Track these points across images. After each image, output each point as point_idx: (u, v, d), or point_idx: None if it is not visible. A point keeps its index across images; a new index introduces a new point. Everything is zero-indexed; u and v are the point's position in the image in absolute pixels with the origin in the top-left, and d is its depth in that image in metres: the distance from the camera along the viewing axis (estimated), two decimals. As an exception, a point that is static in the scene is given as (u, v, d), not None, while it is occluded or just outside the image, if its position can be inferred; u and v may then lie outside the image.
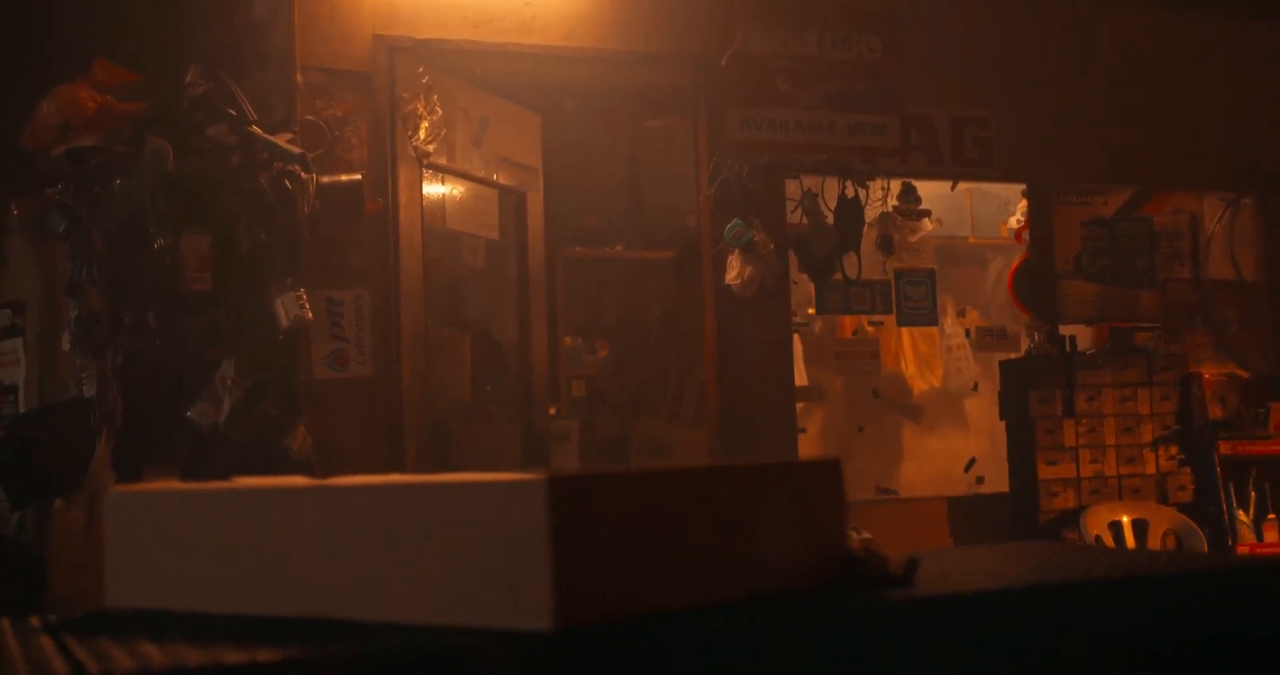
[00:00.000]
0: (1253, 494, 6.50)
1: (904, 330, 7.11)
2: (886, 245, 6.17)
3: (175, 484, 1.95)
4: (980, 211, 7.59)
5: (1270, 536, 6.42)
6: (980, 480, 7.13)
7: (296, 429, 4.66)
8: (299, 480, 2.02)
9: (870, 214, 6.13)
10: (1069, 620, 1.92)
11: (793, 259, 6.07)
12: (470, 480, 1.64)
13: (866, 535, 1.93)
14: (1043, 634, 1.89)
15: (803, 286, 6.35)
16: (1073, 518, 6.06)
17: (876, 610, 1.81)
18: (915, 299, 6.30)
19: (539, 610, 1.51)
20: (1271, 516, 6.48)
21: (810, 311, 6.74)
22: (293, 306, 4.70)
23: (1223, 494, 6.35)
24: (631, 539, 1.61)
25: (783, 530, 1.80)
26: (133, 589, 1.84)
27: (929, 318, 6.44)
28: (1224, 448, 6.43)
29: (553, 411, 6.79)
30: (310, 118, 5.21)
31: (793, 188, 6.09)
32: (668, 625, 1.62)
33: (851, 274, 6.08)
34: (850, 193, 6.07)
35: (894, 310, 6.32)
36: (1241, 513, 6.42)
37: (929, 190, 6.43)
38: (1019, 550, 2.41)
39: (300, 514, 1.75)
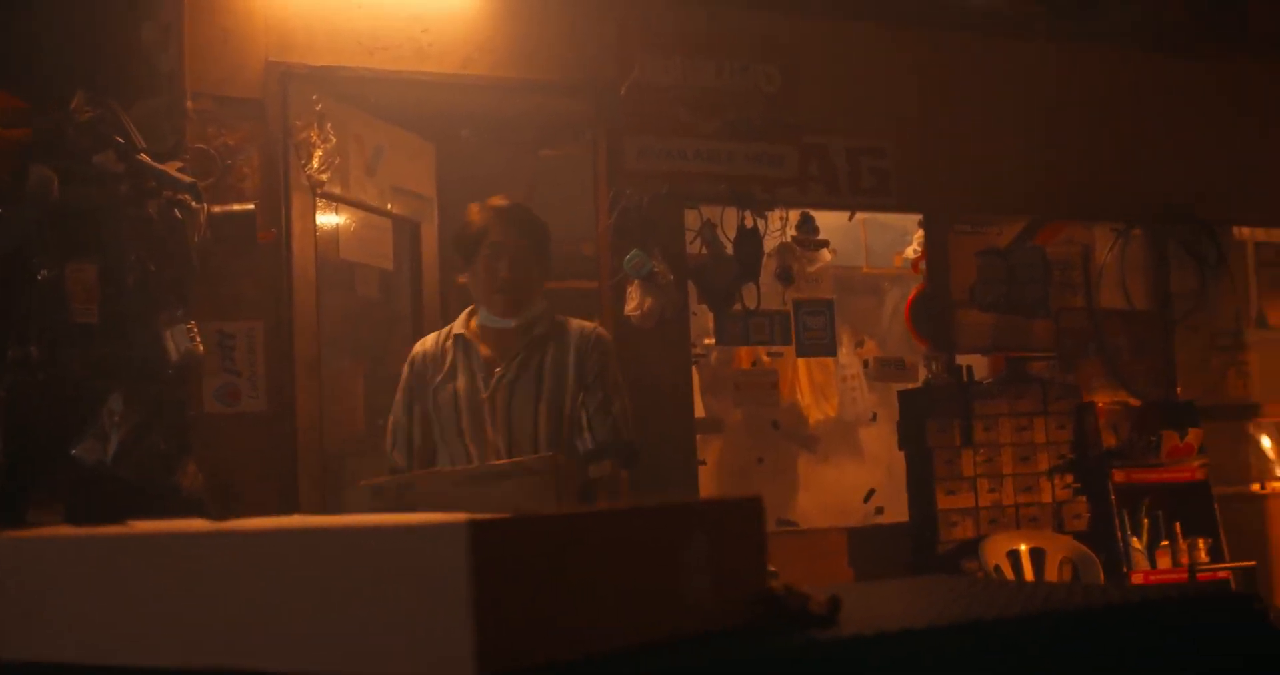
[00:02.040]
0: (1145, 521, 6.57)
1: (800, 361, 7.11)
2: (786, 276, 6.16)
3: (65, 529, 1.85)
4: (875, 241, 7.62)
5: (1164, 563, 6.48)
6: (879, 510, 7.14)
7: (187, 465, 4.53)
8: (197, 523, 1.93)
9: (769, 244, 6.12)
10: (992, 658, 1.89)
11: (692, 289, 6.04)
12: (387, 524, 1.57)
13: (773, 569, 1.92)
14: (968, 672, 1.86)
15: (701, 317, 6.32)
16: (971, 547, 6.08)
17: (802, 651, 1.77)
18: (814, 329, 6.29)
19: (460, 659, 1.45)
20: (1165, 543, 6.54)
21: (709, 342, 6.72)
22: (183, 339, 4.58)
23: (1117, 522, 6.41)
24: (554, 583, 1.55)
25: (705, 570, 1.75)
26: (22, 640, 1.74)
27: (828, 348, 6.44)
28: (1118, 476, 6.49)
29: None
30: (201, 146, 5.09)
31: (692, 218, 6.07)
32: (593, 671, 1.57)
33: (751, 304, 6.06)
34: (749, 223, 6.05)
35: (793, 341, 6.31)
36: (1135, 540, 6.48)
37: (826, 220, 6.43)
38: (930, 586, 2.39)
39: (201, 560, 1.67)
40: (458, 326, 3.86)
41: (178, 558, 1.69)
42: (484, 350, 3.78)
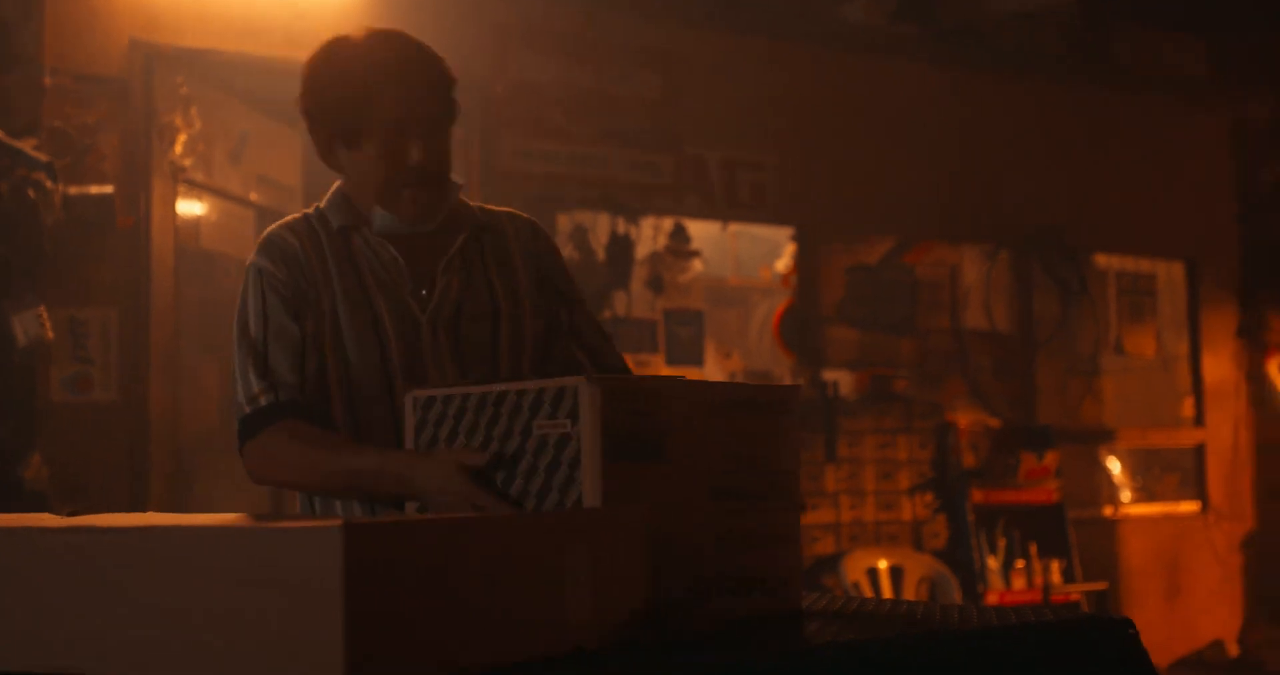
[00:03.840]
0: (1002, 541, 6.63)
1: (668, 370, 7.06)
2: (656, 284, 6.11)
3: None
4: (745, 253, 7.62)
5: (1019, 584, 6.54)
6: (739, 524, 7.11)
7: (32, 457, 4.35)
8: (46, 518, 1.81)
9: (641, 252, 6.07)
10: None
11: (561, 294, 5.96)
12: (254, 525, 1.48)
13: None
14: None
15: (569, 323, 6.24)
16: (831, 563, 6.07)
17: (683, 670, 1.70)
18: (683, 339, 6.26)
19: (330, 670, 1.36)
20: (1020, 564, 6.60)
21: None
22: (31, 325, 4.40)
23: (974, 542, 6.45)
24: (431, 592, 1.47)
25: (587, 582, 1.68)
26: None
27: (696, 359, 6.41)
28: (976, 496, 6.54)
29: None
30: (58, 124, 4.90)
31: (564, 222, 5.99)
32: (470, 688, 1.49)
33: (621, 312, 6.00)
34: (621, 230, 6.00)
35: (661, 350, 6.26)
36: (992, 560, 6.53)
37: (697, 229, 6.41)
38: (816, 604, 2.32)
39: (52, 558, 1.56)
40: (336, 215, 2.49)
41: (21, 555, 1.58)
42: (395, 254, 2.47)
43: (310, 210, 2.53)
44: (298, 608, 1.39)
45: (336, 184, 2.55)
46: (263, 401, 2.38)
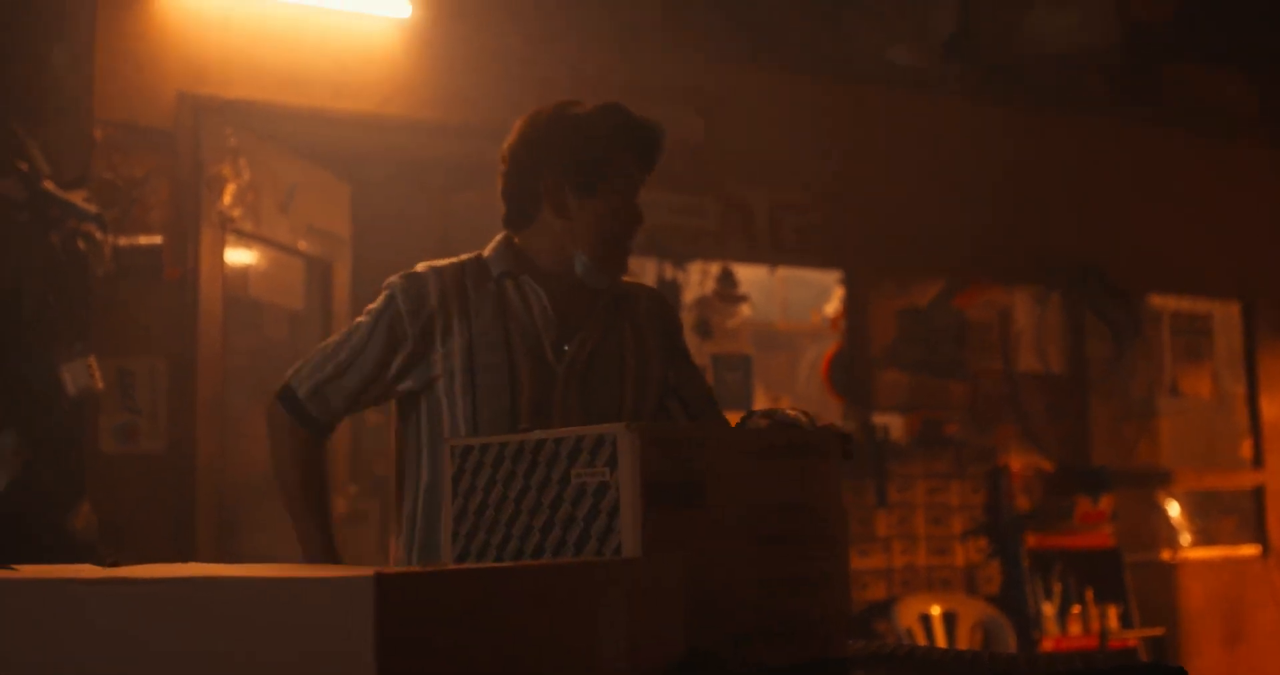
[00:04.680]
0: (1057, 586, 6.54)
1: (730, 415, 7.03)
2: (704, 329, 6.10)
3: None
4: (793, 297, 7.59)
5: (1075, 630, 6.45)
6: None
7: (81, 506, 4.36)
8: (87, 569, 1.81)
9: (688, 297, 6.06)
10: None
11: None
12: (288, 575, 1.47)
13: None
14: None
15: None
16: (883, 609, 6.01)
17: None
18: (731, 384, 6.23)
19: (362, 723, 1.35)
20: (1076, 609, 6.51)
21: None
22: (81, 374, 4.42)
23: (1029, 587, 6.37)
24: (464, 642, 1.45)
25: (622, 630, 1.65)
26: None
27: (745, 403, 6.37)
28: (1031, 540, 6.46)
29: (354, 490, 6.54)
30: (107, 176, 4.94)
31: (611, 267, 5.98)
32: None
33: (668, 357, 5.97)
34: (669, 275, 5.99)
35: (709, 395, 6.23)
36: (1047, 605, 6.44)
37: (745, 273, 6.39)
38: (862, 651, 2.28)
39: (93, 609, 1.56)
40: (499, 264, 2.73)
41: (66, 606, 1.58)
42: (547, 303, 2.71)
43: (468, 256, 2.77)
44: (333, 657, 1.39)
45: (501, 235, 2.79)
46: (301, 392, 2.70)
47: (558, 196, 2.70)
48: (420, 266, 2.73)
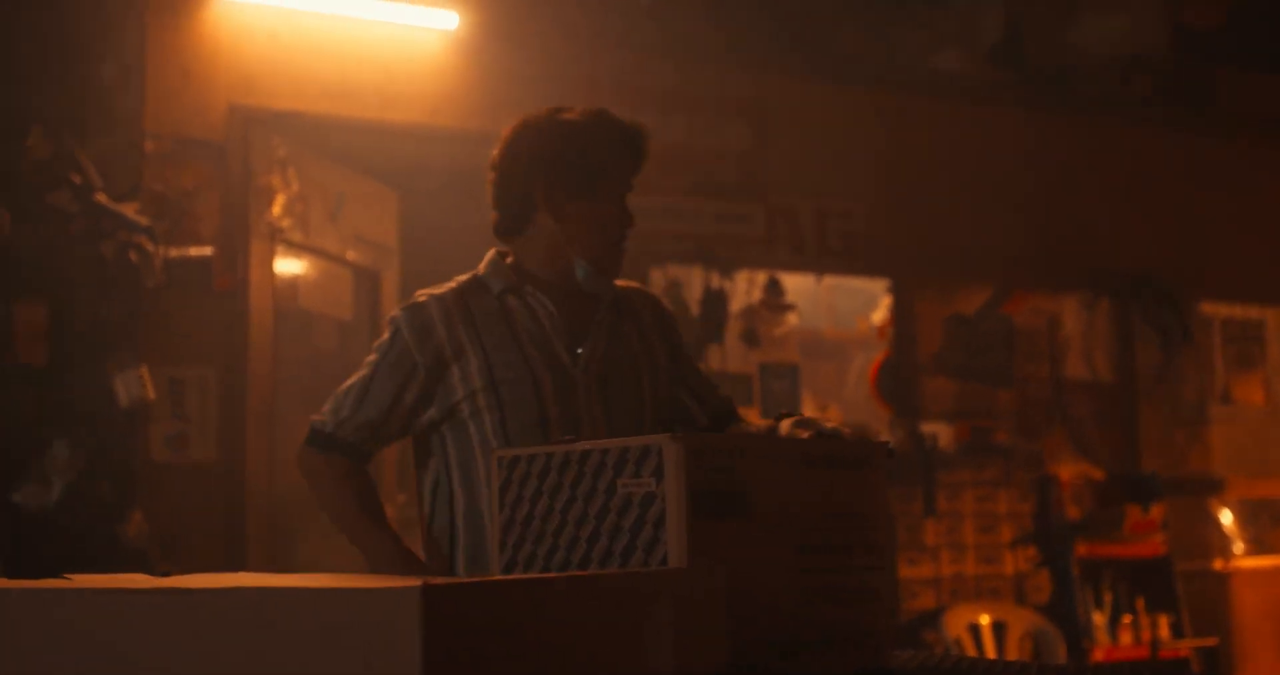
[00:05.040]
0: (1108, 596, 6.50)
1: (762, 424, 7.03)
2: (751, 338, 6.10)
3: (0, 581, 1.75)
4: (840, 304, 7.57)
5: (1125, 639, 6.40)
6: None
7: (132, 515, 4.41)
8: (140, 579, 1.83)
9: (735, 306, 6.06)
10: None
11: (655, 349, 5.96)
12: (336, 585, 1.48)
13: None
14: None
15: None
16: (932, 619, 5.98)
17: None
18: (778, 393, 6.22)
19: (409, 735, 1.35)
20: (1126, 619, 6.46)
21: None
22: (133, 384, 4.47)
23: (1079, 596, 6.33)
24: (513, 652, 1.45)
25: (669, 641, 1.65)
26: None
27: (792, 412, 6.35)
28: (1080, 549, 6.42)
29: (402, 499, 6.57)
30: (158, 187, 4.99)
31: (657, 276, 6.00)
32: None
33: (716, 366, 5.98)
34: (716, 284, 5.99)
35: (756, 404, 6.23)
36: (1097, 615, 6.40)
37: (792, 281, 6.39)
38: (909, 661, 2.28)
39: (146, 619, 1.57)
40: (497, 281, 2.75)
41: (120, 616, 1.59)
42: (553, 309, 2.73)
43: (465, 277, 2.77)
44: (381, 667, 1.39)
45: (492, 251, 2.80)
46: (329, 428, 2.72)
47: (554, 202, 2.71)
48: (420, 295, 2.73)
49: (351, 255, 6.06)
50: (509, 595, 1.50)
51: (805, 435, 2.27)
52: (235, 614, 1.52)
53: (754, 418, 6.40)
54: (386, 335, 2.71)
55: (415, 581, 1.39)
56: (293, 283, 5.88)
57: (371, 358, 2.72)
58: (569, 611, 1.53)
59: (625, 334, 2.79)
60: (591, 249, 2.72)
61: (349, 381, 2.73)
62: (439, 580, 1.43)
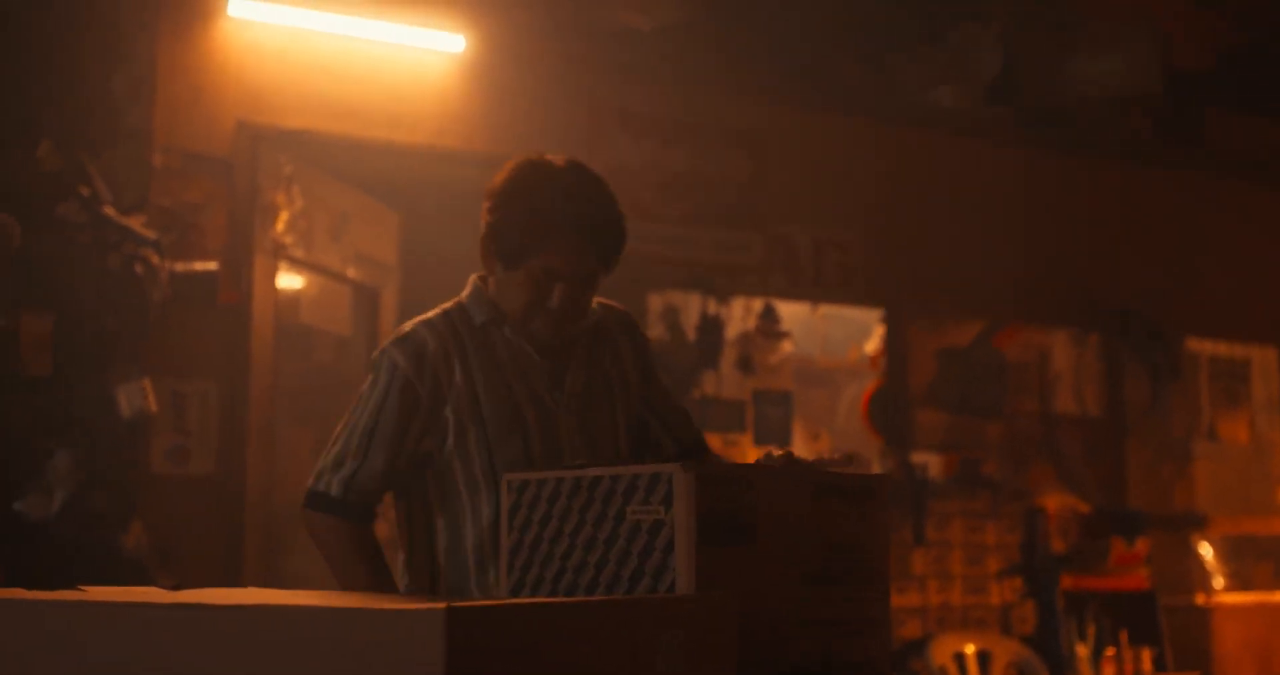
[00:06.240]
0: (1092, 628, 6.53)
1: (753, 450, 7.07)
2: (746, 365, 6.15)
3: (17, 592, 1.77)
4: (833, 333, 7.62)
5: (1108, 672, 6.44)
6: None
7: (132, 525, 4.44)
8: (155, 592, 1.87)
9: (731, 332, 6.12)
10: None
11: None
12: (359, 605, 1.52)
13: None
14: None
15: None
16: (918, 648, 6.02)
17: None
18: (771, 420, 6.27)
19: (430, 753, 1.40)
20: (1110, 651, 6.51)
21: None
22: (135, 396, 4.50)
23: (1063, 628, 6.37)
24: (531, 673, 1.50)
25: (678, 663, 1.70)
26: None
27: (784, 439, 6.41)
28: (1066, 581, 6.46)
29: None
30: (166, 202, 5.03)
31: (655, 302, 6.04)
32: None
33: (710, 392, 6.03)
34: (712, 311, 6.05)
35: (749, 430, 6.28)
36: (1081, 647, 6.44)
37: (787, 309, 6.43)
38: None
39: (164, 633, 1.60)
40: (479, 312, 2.66)
41: (137, 629, 1.63)
42: (531, 351, 2.66)
43: (450, 305, 2.69)
44: (400, 686, 1.43)
45: (474, 277, 2.72)
46: (334, 491, 2.62)
47: (487, 260, 2.64)
48: (407, 326, 2.66)
49: (352, 273, 6.10)
50: (528, 618, 1.54)
51: (778, 462, 2.29)
52: (257, 631, 1.54)
53: (747, 444, 6.46)
54: (381, 371, 2.61)
55: (439, 603, 1.44)
56: (294, 298, 5.92)
57: (367, 398, 2.62)
58: (585, 635, 1.58)
59: (600, 359, 2.73)
60: (514, 314, 2.62)
61: (338, 434, 2.64)
62: (462, 602, 1.48)
